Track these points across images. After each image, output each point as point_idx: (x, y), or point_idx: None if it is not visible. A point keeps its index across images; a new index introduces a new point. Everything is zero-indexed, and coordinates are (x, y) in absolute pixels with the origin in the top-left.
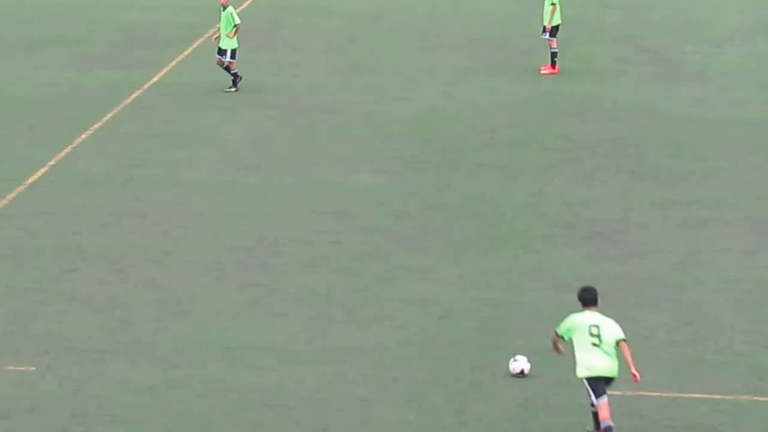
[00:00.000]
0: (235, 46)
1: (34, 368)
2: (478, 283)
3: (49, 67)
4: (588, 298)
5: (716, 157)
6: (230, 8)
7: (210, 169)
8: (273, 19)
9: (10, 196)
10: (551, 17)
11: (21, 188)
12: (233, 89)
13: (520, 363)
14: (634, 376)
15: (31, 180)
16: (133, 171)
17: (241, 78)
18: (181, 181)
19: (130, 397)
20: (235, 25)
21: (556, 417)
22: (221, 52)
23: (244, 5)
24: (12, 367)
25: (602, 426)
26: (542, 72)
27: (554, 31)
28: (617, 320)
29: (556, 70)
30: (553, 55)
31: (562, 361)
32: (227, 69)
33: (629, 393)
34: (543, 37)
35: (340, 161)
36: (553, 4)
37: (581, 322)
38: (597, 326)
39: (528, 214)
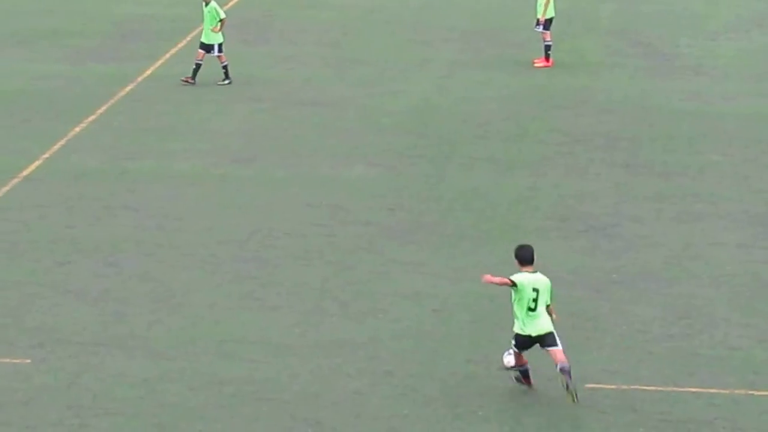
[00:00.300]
0: (221, 39)
1: (28, 361)
2: (472, 276)
3: (43, 60)
4: (526, 257)
5: (711, 151)
6: (213, 3)
7: (203, 162)
8: (266, 11)
9: (4, 189)
10: (545, 10)
11: (15, 181)
12: (227, 81)
13: (514, 356)
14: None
15: (25, 173)
16: (127, 164)
17: (195, 74)
18: (174, 174)
19: (125, 389)
20: (220, 20)
21: (550, 410)
22: (205, 47)
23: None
24: (6, 360)
25: (504, 364)
26: (536, 65)
27: (548, 23)
28: (612, 314)
29: (549, 63)
30: (547, 48)
31: None
32: (197, 66)
33: (623, 387)
34: (536, 30)
35: (333, 154)
36: None
37: (528, 283)
38: (536, 290)
39: (522, 208)
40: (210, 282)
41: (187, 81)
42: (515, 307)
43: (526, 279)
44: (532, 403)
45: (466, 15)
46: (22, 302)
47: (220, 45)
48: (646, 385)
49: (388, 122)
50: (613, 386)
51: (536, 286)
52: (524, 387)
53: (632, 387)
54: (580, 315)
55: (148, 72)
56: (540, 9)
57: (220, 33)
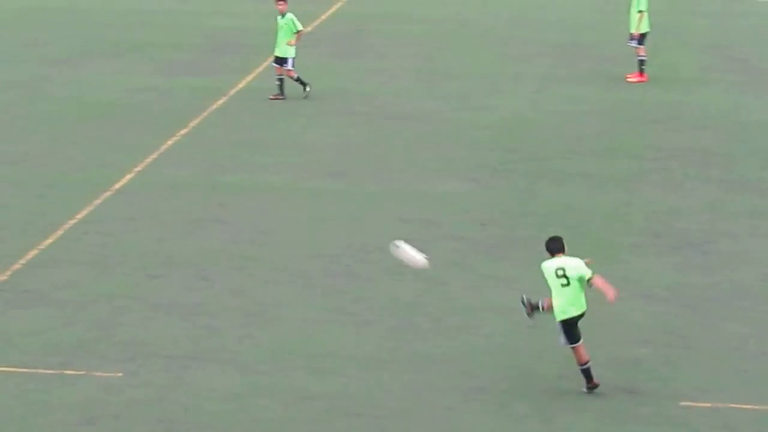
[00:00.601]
0: (294, 54)
1: (120, 374)
2: None
3: (135, 73)
4: (554, 247)
5: None
6: (290, 15)
7: (295, 176)
8: (357, 25)
9: (97, 202)
10: (639, 24)
11: (107, 194)
12: (308, 89)
13: (403, 251)
14: (611, 301)
15: (117, 186)
16: (218, 177)
17: (282, 88)
18: (266, 187)
19: (216, 404)
20: (297, 32)
21: (646, 429)
22: (279, 60)
23: (329, 12)
24: (98, 373)
25: (583, 367)
26: (629, 80)
27: (642, 38)
28: (706, 331)
29: (644, 78)
30: (641, 62)
31: (649, 371)
32: (281, 81)
33: (718, 405)
34: (630, 44)
35: (425, 169)
36: (640, 11)
37: (548, 267)
38: (562, 268)
39: (615, 224)
40: (301, 296)
41: (276, 97)
42: (553, 295)
43: (546, 265)
44: (627, 422)
45: (558, 29)
46: (114, 315)
47: (293, 59)
48: (741, 403)
49: (480, 137)
50: (707, 404)
51: (560, 266)
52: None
53: (727, 405)
54: (674, 332)
55: (240, 85)
56: (634, 23)
57: (294, 47)
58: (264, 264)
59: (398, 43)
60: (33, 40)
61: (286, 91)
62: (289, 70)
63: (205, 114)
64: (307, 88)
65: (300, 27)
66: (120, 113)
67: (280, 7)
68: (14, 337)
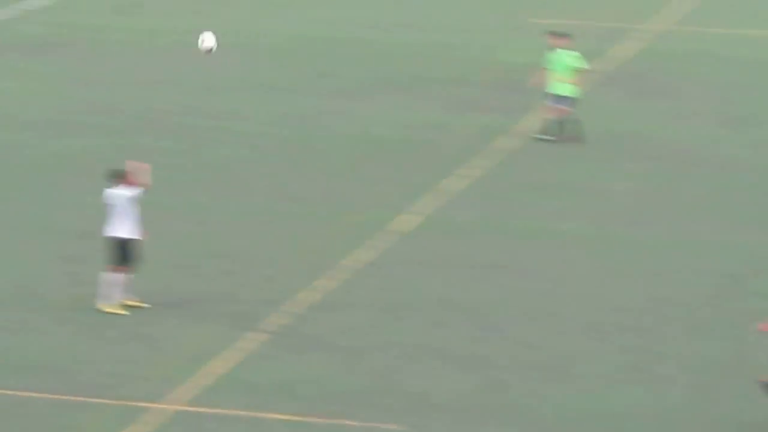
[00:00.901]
0: (575, 94)
1: (403, 428)
2: None
3: (417, 108)
4: None
5: None
6: (573, 51)
7: (588, 222)
8: (656, 65)
9: (376, 243)
10: None
11: (386, 235)
12: (552, 138)
13: (208, 41)
14: None
15: (396, 227)
16: (506, 221)
17: (575, 129)
18: (556, 234)
19: None
20: (581, 70)
21: None
22: (562, 99)
23: (623, 50)
24: (379, 425)
25: None
26: None
27: None
28: None
29: None
30: None
31: None
32: (570, 121)
33: None
34: None
35: (727, 219)
36: None
37: None
38: None
39: None
40: (596, 352)
41: (562, 138)
42: None
43: None
44: None
45: None
46: (396, 364)
47: (572, 99)
48: None
49: None
50: None
51: None
52: None
53: None
54: None
55: (529, 124)
56: None
57: (575, 86)
58: (556, 316)
59: (701, 84)
60: (315, 71)
61: (589, 131)
62: (563, 108)
63: (490, 154)
64: (552, 138)
65: (579, 64)
66: (400, 150)
67: (557, 42)
68: (292, 384)
